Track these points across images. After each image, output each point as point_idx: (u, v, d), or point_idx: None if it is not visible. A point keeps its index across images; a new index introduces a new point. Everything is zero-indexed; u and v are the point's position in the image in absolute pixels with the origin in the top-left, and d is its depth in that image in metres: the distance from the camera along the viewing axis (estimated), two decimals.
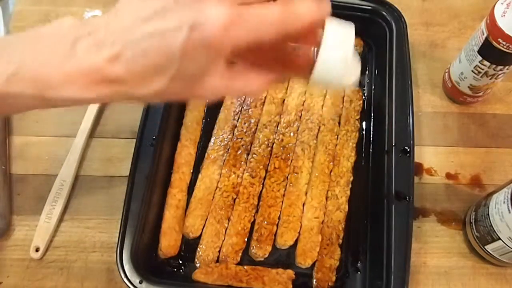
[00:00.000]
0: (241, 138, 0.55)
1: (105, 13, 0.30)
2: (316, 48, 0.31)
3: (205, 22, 0.27)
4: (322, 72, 0.31)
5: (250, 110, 0.56)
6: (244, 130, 0.55)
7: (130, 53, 0.28)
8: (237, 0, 0.28)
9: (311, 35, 0.32)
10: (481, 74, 0.53)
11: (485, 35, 0.49)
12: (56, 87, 0.29)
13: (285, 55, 0.33)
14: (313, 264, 0.49)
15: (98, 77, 0.28)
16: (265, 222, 0.50)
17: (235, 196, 0.52)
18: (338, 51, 0.31)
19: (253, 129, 0.56)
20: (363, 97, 0.59)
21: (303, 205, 0.51)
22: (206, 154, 0.54)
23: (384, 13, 0.59)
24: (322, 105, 0.57)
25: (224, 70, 0.31)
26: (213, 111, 0.57)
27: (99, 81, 0.29)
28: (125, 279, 0.43)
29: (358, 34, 0.64)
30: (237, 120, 0.56)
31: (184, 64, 0.28)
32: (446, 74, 0.60)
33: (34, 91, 0.29)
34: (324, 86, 0.33)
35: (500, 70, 0.52)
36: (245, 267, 0.48)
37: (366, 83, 0.61)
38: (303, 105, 0.57)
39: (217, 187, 0.52)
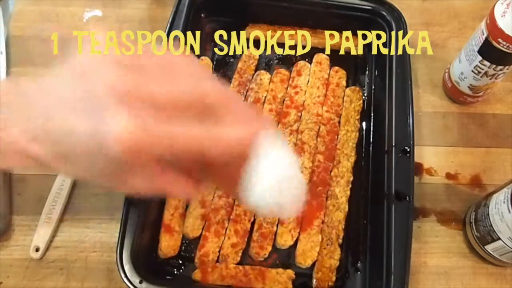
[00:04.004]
0: None
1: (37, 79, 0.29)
2: (247, 169, 0.28)
3: (107, 138, 0.24)
4: (252, 197, 0.28)
5: None
6: None
7: (45, 138, 0.28)
8: (147, 108, 0.25)
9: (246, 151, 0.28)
10: (481, 74, 0.53)
11: (485, 35, 0.49)
12: None
13: (213, 170, 0.30)
14: (313, 264, 0.49)
15: (19, 151, 0.29)
16: (265, 222, 0.50)
17: None
18: (268, 178, 0.27)
19: None
20: (363, 97, 0.59)
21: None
22: None
23: (384, 13, 0.59)
24: (322, 105, 0.57)
25: (149, 174, 0.29)
26: None
27: (20, 155, 0.29)
28: (125, 279, 0.43)
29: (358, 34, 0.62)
30: None
31: (98, 166, 0.28)
32: (446, 74, 0.60)
33: None
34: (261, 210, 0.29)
35: (500, 70, 0.52)
36: (245, 267, 0.48)
37: (366, 83, 0.61)
38: (303, 105, 0.57)
39: (217, 187, 0.52)
